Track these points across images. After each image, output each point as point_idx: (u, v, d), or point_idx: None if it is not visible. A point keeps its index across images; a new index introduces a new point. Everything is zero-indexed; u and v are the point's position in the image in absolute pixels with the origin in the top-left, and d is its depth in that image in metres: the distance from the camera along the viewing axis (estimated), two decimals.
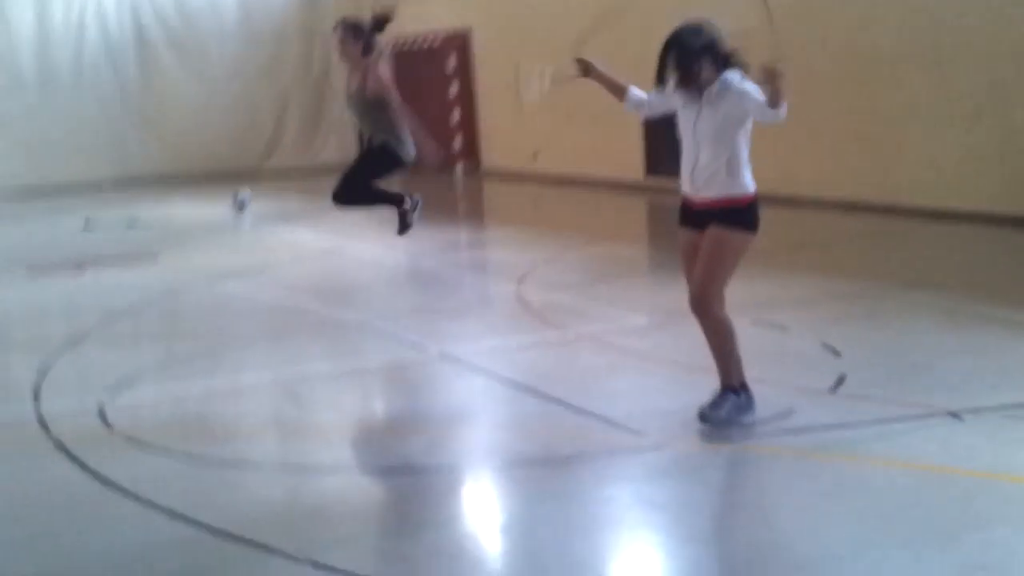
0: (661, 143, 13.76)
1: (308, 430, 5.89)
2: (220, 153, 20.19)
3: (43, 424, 5.99)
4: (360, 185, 7.55)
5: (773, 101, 5.01)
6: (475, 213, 16.12)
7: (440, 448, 5.56)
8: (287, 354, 7.52)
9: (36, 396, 6.54)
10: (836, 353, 6.62)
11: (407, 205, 7.66)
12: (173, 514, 4.65)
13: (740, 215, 5.33)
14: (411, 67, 21.19)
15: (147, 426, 5.88)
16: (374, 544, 4.46)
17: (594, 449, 5.32)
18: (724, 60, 5.25)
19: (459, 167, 19.26)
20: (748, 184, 5.33)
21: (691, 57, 5.19)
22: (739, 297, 8.26)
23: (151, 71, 20.42)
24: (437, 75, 19.54)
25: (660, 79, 5.29)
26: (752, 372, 6.26)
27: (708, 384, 5.54)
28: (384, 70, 7.56)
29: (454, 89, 19.49)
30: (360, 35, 7.55)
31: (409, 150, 7.48)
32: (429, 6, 18.98)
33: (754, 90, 5.14)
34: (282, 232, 13.38)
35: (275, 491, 5.01)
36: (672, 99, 5.44)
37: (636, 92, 5.72)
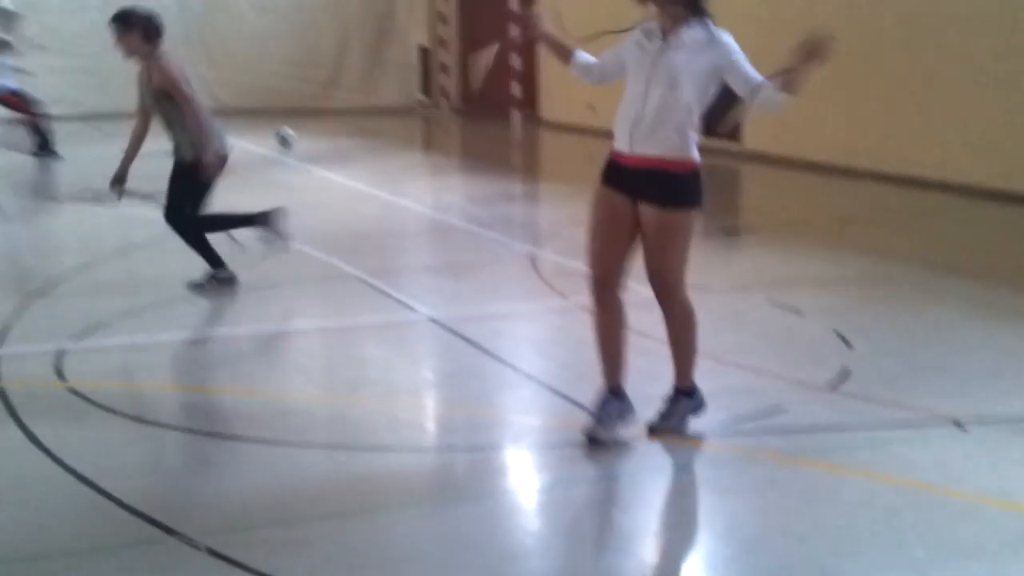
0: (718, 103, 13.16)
1: (260, 394, 5.52)
2: (279, 89, 19.91)
3: None
4: (184, 210, 7.16)
5: (790, 85, 4.39)
6: (521, 165, 15.66)
7: (384, 425, 5.11)
8: (271, 307, 7.19)
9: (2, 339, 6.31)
10: (847, 343, 6.13)
11: (220, 275, 7.28)
12: (85, 480, 4.35)
13: (681, 188, 4.66)
14: (474, 6, 20.75)
15: (96, 381, 5.58)
16: (278, 533, 4.01)
17: (550, 438, 4.92)
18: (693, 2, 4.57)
19: (516, 115, 18.78)
20: (693, 151, 4.66)
21: None
22: (758, 273, 7.86)
23: (214, 2, 20.17)
24: (500, 16, 19.03)
25: None
26: (751, 359, 5.85)
27: (706, 370, 5.06)
28: (172, 62, 7.15)
29: (515, 32, 18.96)
30: (132, 26, 7.13)
31: (208, 152, 7.04)
32: None
33: (744, 61, 4.60)
34: (320, 173, 13.08)
35: (197, 464, 4.66)
36: (625, 50, 4.74)
37: (583, 55, 4.95)
